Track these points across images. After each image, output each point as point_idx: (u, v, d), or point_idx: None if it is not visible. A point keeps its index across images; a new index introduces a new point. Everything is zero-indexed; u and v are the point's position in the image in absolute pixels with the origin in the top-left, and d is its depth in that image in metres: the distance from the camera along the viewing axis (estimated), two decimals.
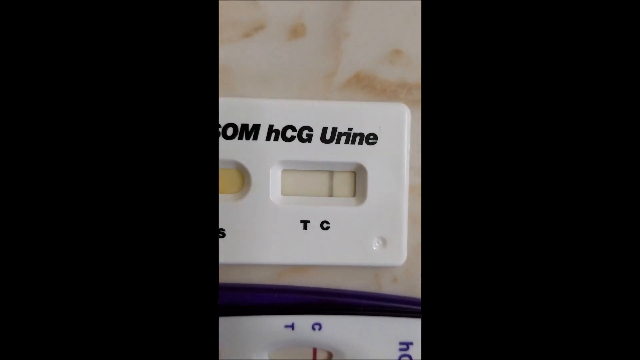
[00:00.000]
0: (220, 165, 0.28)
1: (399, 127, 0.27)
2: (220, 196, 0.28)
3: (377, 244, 0.28)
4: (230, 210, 0.27)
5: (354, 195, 0.28)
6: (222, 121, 0.27)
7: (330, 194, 0.28)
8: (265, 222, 0.28)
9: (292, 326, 0.28)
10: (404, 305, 0.28)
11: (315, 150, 0.27)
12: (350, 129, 0.27)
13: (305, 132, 0.27)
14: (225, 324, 0.28)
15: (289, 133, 0.27)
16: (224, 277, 0.28)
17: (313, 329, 0.28)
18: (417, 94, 0.28)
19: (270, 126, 0.27)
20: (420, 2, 0.27)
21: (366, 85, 0.28)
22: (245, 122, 0.27)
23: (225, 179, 0.28)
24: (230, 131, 0.27)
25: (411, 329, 0.28)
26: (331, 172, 0.28)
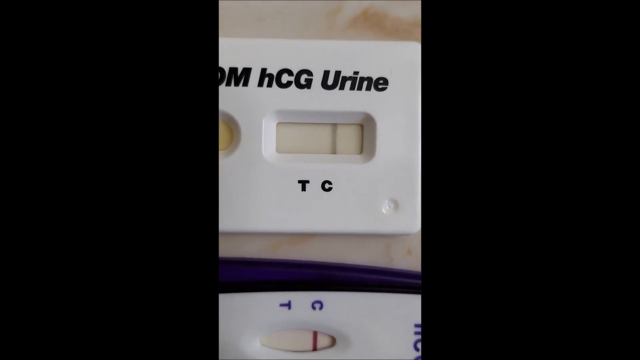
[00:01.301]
0: None
1: (413, 70, 0.24)
2: None
3: (387, 208, 0.24)
4: None
5: (361, 151, 0.25)
6: None
7: (333, 151, 0.25)
8: (257, 183, 0.24)
9: (288, 304, 0.24)
10: (420, 282, 0.24)
11: (316, 99, 0.24)
12: (356, 73, 0.24)
13: (304, 76, 0.24)
14: None
15: (285, 78, 0.24)
16: None
17: (313, 307, 0.24)
18: None
19: (263, 70, 0.24)
20: None
21: (375, 24, 0.24)
22: (233, 64, 0.24)
23: None
24: None
25: None
26: (334, 125, 0.25)
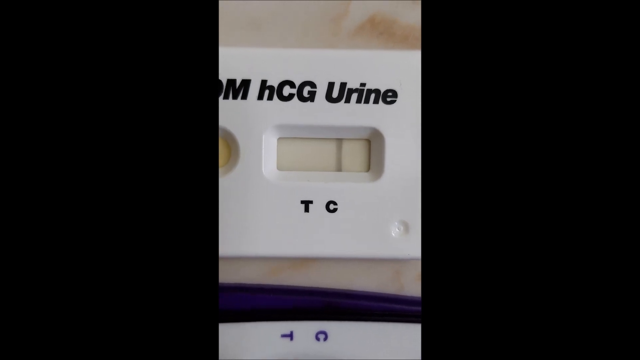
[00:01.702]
0: None
1: None
2: None
3: (396, 230, 0.22)
4: None
5: (368, 169, 0.23)
6: None
7: (338, 168, 0.23)
8: (257, 202, 0.22)
9: (290, 335, 0.23)
10: None
11: (319, 112, 0.22)
12: (362, 85, 0.22)
13: (307, 88, 0.22)
14: None
15: (287, 90, 0.22)
16: None
17: (317, 338, 0.23)
18: None
19: (263, 82, 0.22)
20: None
21: (383, 32, 0.23)
22: (231, 76, 0.22)
23: None
24: None
25: None
26: (339, 140, 0.23)
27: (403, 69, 0.22)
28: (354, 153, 0.23)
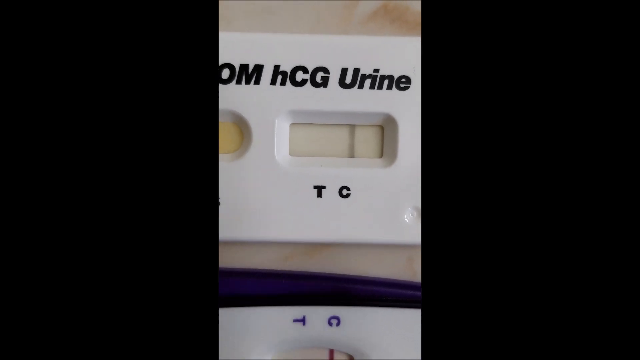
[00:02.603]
0: None
1: None
2: None
3: (410, 216, 0.22)
4: (226, 173, 0.22)
5: (381, 155, 0.23)
6: None
7: (351, 154, 0.23)
8: (269, 188, 0.22)
9: (302, 320, 0.23)
10: None
11: (333, 98, 0.22)
12: (376, 71, 0.22)
13: (320, 74, 0.22)
14: (219, 317, 0.22)
15: (300, 76, 0.22)
16: None
17: (329, 324, 0.23)
18: None
19: (276, 67, 0.22)
20: None
21: (396, 18, 0.23)
22: (244, 61, 0.22)
23: (220, 134, 0.22)
24: (226, 73, 0.22)
25: None
26: (352, 126, 0.23)
27: (416, 55, 0.22)
28: (367, 139, 0.23)
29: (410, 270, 0.23)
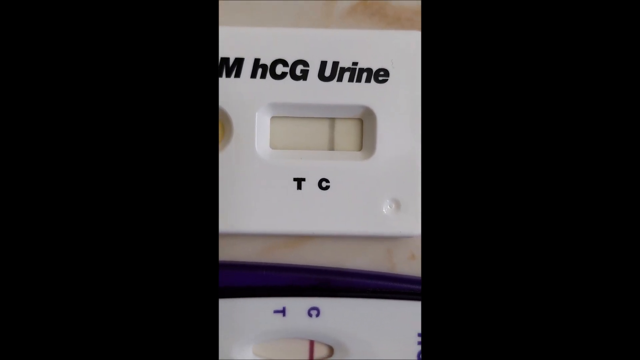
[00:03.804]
0: None
1: (416, 61, 0.22)
2: None
3: (388, 208, 0.22)
4: None
5: (360, 147, 0.23)
6: None
7: (331, 147, 0.23)
8: (250, 180, 0.22)
9: (282, 311, 0.23)
10: None
11: (312, 91, 0.22)
12: (355, 64, 0.22)
13: (300, 67, 0.22)
14: None
15: (279, 69, 0.22)
16: None
17: (309, 315, 0.23)
18: None
19: (256, 60, 0.22)
20: None
21: (375, 12, 0.23)
22: (224, 55, 0.22)
23: None
24: None
25: None
26: (332, 119, 0.23)
27: (395, 48, 0.22)
28: (347, 132, 0.23)
29: (389, 261, 0.23)
